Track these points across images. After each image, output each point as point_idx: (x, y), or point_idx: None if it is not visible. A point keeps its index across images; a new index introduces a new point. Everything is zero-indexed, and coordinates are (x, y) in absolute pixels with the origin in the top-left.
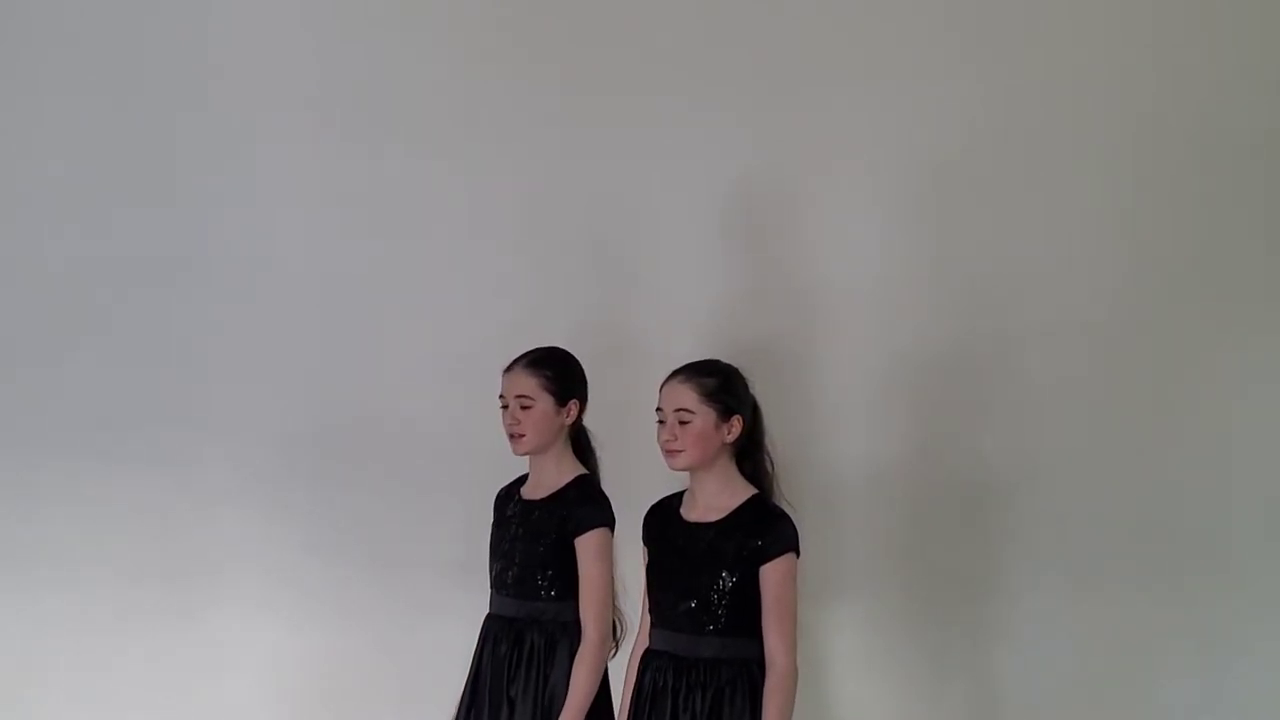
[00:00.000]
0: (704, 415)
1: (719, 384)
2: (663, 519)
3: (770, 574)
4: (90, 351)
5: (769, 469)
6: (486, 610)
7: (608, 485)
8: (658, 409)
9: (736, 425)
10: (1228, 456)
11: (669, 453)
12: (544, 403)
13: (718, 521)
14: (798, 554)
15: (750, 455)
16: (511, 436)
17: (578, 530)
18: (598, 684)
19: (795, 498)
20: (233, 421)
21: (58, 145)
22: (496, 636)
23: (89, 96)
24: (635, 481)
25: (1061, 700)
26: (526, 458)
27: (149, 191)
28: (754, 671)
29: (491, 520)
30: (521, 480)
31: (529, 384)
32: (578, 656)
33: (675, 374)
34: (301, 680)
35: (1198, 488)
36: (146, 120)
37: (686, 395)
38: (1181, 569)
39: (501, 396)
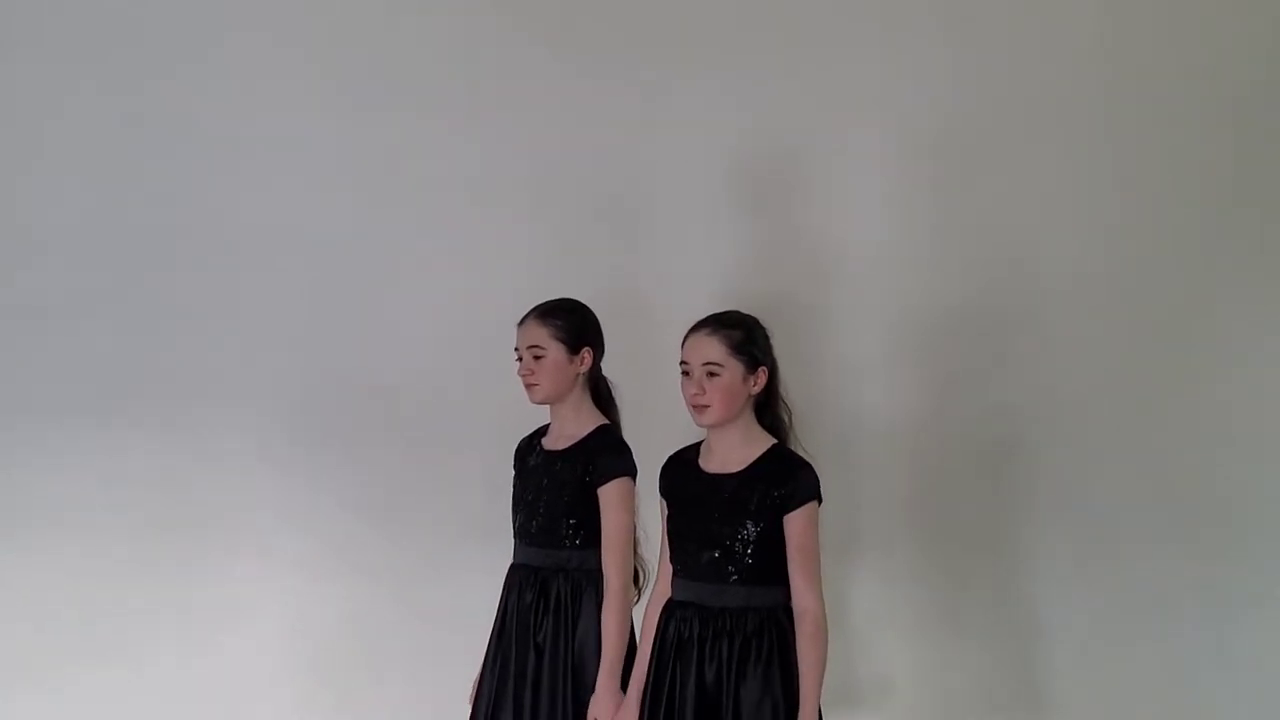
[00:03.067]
0: (732, 368)
1: (745, 336)
2: (681, 471)
3: (794, 522)
4: (110, 319)
5: (786, 420)
6: (507, 563)
7: None
8: (682, 362)
9: (762, 377)
10: (1244, 412)
11: (697, 408)
12: (556, 351)
13: (739, 472)
14: (820, 501)
15: (768, 406)
16: (527, 386)
17: (600, 479)
18: (628, 630)
19: (811, 455)
20: (250, 384)
21: (65, 116)
22: (521, 586)
23: (93, 65)
24: (651, 440)
25: (1077, 654)
26: (546, 410)
27: (165, 162)
28: (780, 618)
29: (512, 471)
30: (542, 431)
31: (540, 334)
32: (604, 607)
33: (700, 326)
34: (321, 634)
35: (1213, 443)
36: (156, 91)
37: (714, 348)
38: (1197, 524)
39: (516, 349)
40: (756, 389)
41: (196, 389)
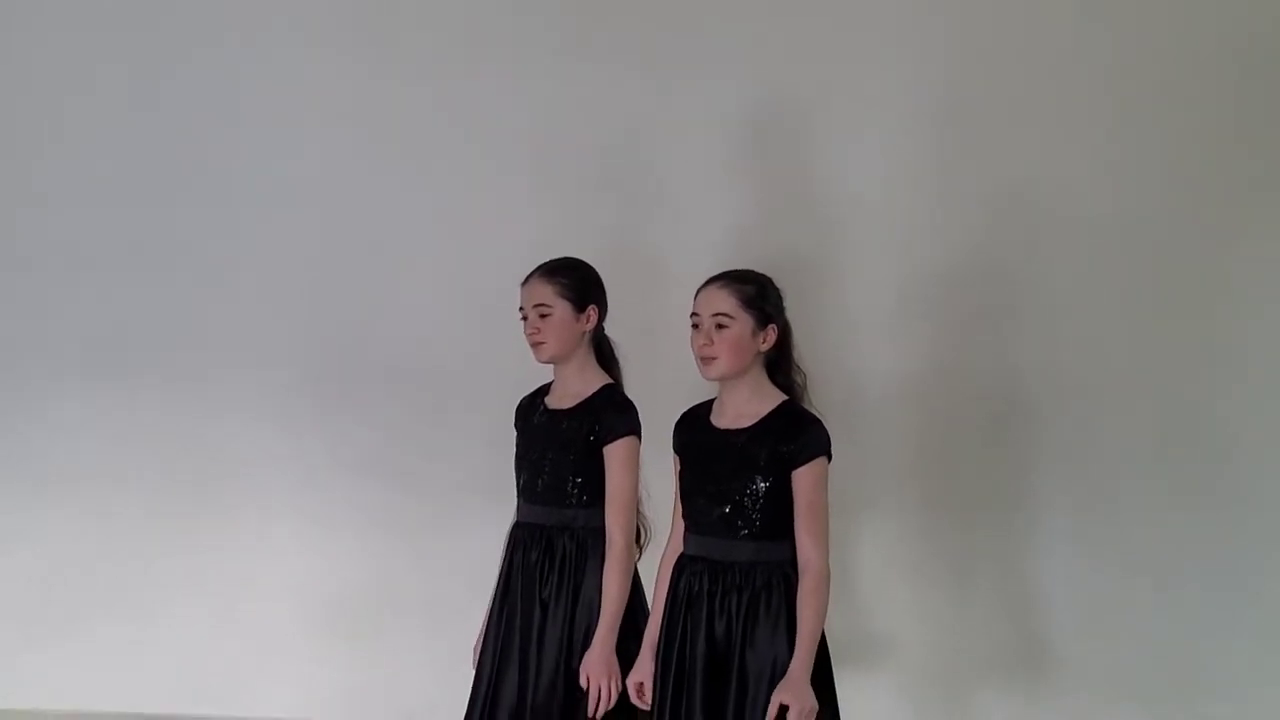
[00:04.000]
0: (742, 322)
1: (757, 291)
2: (693, 426)
3: (802, 478)
4: (117, 273)
5: (800, 381)
6: (510, 520)
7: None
8: (693, 314)
9: (772, 334)
10: (1252, 368)
11: (704, 359)
12: (562, 309)
13: (749, 427)
14: (829, 458)
15: (781, 368)
16: (533, 345)
17: (606, 438)
18: (629, 589)
19: (819, 412)
20: (258, 343)
21: (67, 68)
22: (527, 544)
23: (101, 31)
24: (657, 398)
25: (1082, 610)
26: (549, 369)
27: (170, 116)
28: (789, 573)
29: (517, 430)
30: (544, 390)
31: (546, 292)
32: (606, 565)
33: (714, 280)
34: (332, 588)
35: (1222, 400)
36: (167, 44)
37: (725, 300)
38: (1203, 482)
39: (521, 308)
40: (765, 345)
41: (208, 348)
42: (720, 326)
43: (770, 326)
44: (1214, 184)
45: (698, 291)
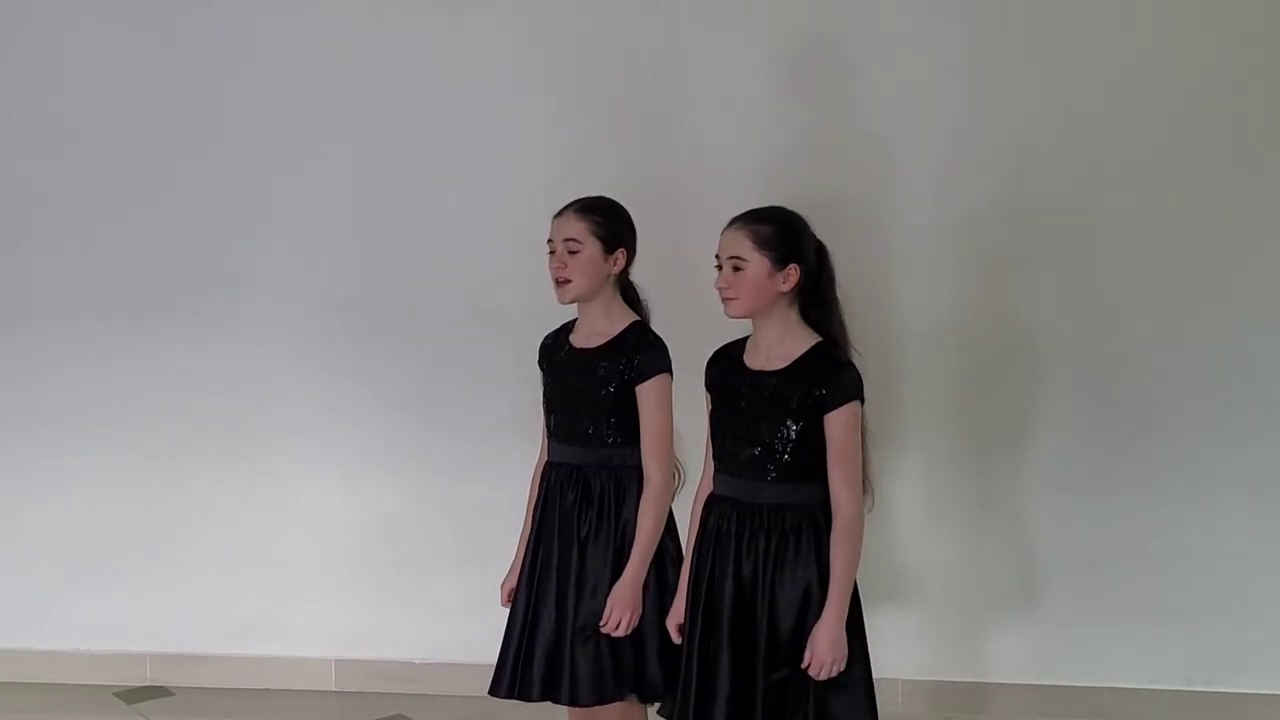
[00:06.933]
0: (757, 263)
1: (775, 231)
2: (726, 366)
3: (834, 422)
4: (151, 214)
5: (833, 319)
6: (542, 460)
7: None
8: (716, 254)
9: (793, 274)
10: None
11: (724, 300)
12: (591, 248)
13: (782, 369)
14: (862, 401)
15: (816, 303)
16: (557, 282)
17: (640, 377)
18: (662, 527)
19: (855, 350)
20: (291, 282)
21: (97, 12)
22: (563, 484)
23: None
24: (682, 334)
25: (1117, 545)
26: (574, 306)
27: (205, 60)
28: (818, 516)
29: (541, 370)
30: (567, 328)
31: (577, 228)
32: (643, 501)
33: (733, 221)
34: (368, 527)
35: (1257, 340)
36: None
37: (740, 242)
38: (1238, 418)
39: (550, 241)
40: (786, 286)
41: (242, 288)
42: (736, 269)
43: (791, 266)
44: (1251, 122)
45: (722, 231)
